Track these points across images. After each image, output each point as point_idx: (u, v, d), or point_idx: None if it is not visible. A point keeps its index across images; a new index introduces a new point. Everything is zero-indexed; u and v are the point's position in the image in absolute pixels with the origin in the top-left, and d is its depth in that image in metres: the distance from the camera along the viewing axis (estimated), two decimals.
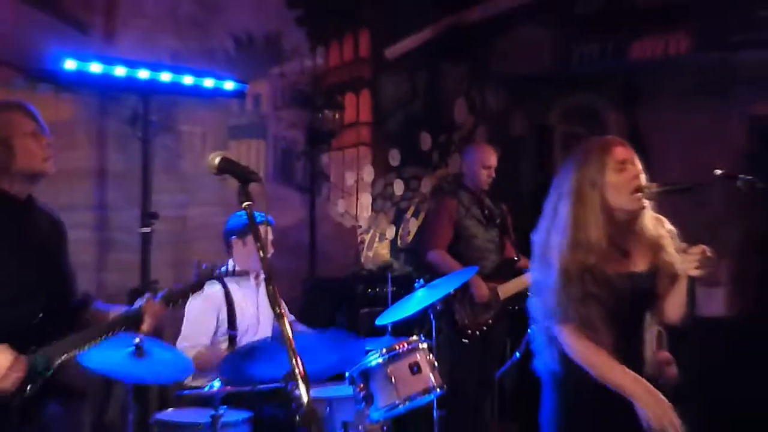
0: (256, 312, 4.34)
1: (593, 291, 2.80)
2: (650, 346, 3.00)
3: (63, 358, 2.73)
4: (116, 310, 2.94)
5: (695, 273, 2.76)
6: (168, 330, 4.30)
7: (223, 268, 3.18)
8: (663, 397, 2.76)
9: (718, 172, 3.73)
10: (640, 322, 2.97)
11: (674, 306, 2.95)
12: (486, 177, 5.48)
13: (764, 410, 5.33)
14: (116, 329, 2.83)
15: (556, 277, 2.84)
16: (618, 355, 2.83)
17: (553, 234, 2.90)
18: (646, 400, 2.74)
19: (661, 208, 3.01)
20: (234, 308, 4.24)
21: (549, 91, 7.18)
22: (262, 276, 4.38)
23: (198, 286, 3.06)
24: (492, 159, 5.51)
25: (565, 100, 7.15)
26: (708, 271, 2.76)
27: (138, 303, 2.91)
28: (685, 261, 2.77)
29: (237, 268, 3.33)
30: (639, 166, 2.90)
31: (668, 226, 2.96)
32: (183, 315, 4.21)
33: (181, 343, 4.19)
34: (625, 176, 2.86)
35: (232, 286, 4.28)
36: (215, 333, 4.22)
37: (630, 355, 2.89)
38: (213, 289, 4.23)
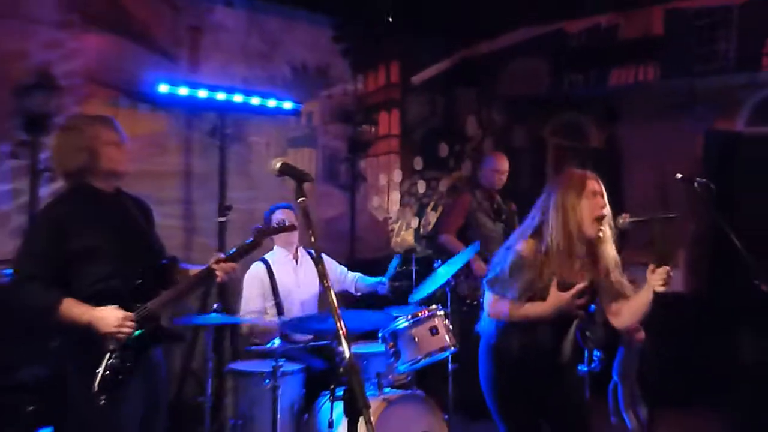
0: (294, 279, 4.35)
1: (540, 285, 2.82)
2: (570, 343, 3.00)
3: (162, 311, 2.79)
4: (196, 269, 2.96)
5: (661, 289, 2.74)
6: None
7: (274, 223, 3.23)
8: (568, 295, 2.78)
9: (679, 176, 3.70)
10: (566, 322, 2.96)
11: (627, 315, 2.93)
12: (498, 179, 5.46)
13: (714, 364, 5.32)
14: (198, 284, 2.87)
15: (515, 260, 2.86)
16: (541, 338, 2.87)
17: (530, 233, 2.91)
18: (558, 301, 2.78)
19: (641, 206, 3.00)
20: (275, 279, 4.26)
21: (543, 110, 7.12)
22: (300, 252, 4.42)
23: (255, 245, 3.05)
24: (504, 165, 5.49)
25: (557, 118, 7.09)
26: (669, 286, 2.74)
27: (210, 260, 2.93)
28: (653, 279, 2.75)
29: (284, 224, 3.31)
30: (605, 199, 2.90)
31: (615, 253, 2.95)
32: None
33: (244, 312, 4.24)
34: (593, 203, 2.85)
35: (274, 263, 4.31)
36: (264, 300, 4.26)
37: (550, 341, 2.92)
38: (257, 267, 4.27)
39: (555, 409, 2.96)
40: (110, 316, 2.64)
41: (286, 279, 4.33)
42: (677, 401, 5.17)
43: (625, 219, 2.89)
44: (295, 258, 4.43)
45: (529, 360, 2.88)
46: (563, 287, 2.81)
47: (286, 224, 3.31)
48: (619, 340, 4.42)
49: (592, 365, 3.56)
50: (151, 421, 2.79)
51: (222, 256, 2.93)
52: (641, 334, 3.73)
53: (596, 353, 3.69)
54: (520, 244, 2.90)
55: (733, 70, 5.76)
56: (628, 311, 2.91)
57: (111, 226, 2.79)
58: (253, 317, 4.18)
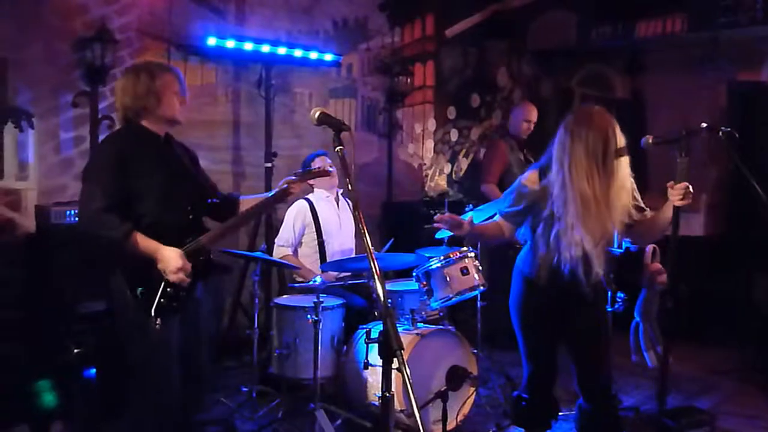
0: (337, 220, 4.27)
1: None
2: (600, 266, 2.77)
3: (212, 245, 2.75)
4: (261, 196, 2.96)
5: (679, 203, 2.63)
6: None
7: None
8: None
9: (704, 125, 3.48)
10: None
11: (648, 233, 2.81)
12: (526, 128, 5.24)
13: (732, 303, 5.18)
14: (259, 210, 2.90)
15: (517, 187, 2.84)
16: (569, 261, 2.71)
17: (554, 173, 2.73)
18: None
19: (661, 153, 2.82)
20: (318, 217, 4.18)
21: (571, 61, 6.87)
22: (339, 193, 4.32)
23: (301, 180, 3.05)
24: (534, 115, 5.26)
25: (584, 69, 6.83)
26: (689, 201, 2.63)
27: (280, 184, 2.96)
28: (672, 194, 2.63)
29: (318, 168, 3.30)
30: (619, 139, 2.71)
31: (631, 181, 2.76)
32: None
33: (278, 241, 4.18)
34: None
35: (317, 202, 4.22)
36: (303, 234, 4.18)
37: (578, 265, 2.73)
38: (301, 203, 4.19)
39: (575, 333, 2.82)
40: (174, 259, 2.59)
41: (329, 219, 4.24)
42: (692, 337, 5.07)
43: (649, 140, 2.74)
44: (336, 201, 4.34)
45: (556, 283, 2.73)
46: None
47: (318, 168, 3.30)
48: (641, 282, 4.28)
49: (615, 306, 3.42)
50: (194, 352, 2.77)
51: (293, 178, 2.97)
52: (663, 278, 3.56)
53: (619, 294, 3.55)
54: (526, 175, 2.83)
55: (759, 22, 5.43)
56: (646, 227, 2.78)
57: (162, 166, 2.73)
58: (283, 243, 4.15)
